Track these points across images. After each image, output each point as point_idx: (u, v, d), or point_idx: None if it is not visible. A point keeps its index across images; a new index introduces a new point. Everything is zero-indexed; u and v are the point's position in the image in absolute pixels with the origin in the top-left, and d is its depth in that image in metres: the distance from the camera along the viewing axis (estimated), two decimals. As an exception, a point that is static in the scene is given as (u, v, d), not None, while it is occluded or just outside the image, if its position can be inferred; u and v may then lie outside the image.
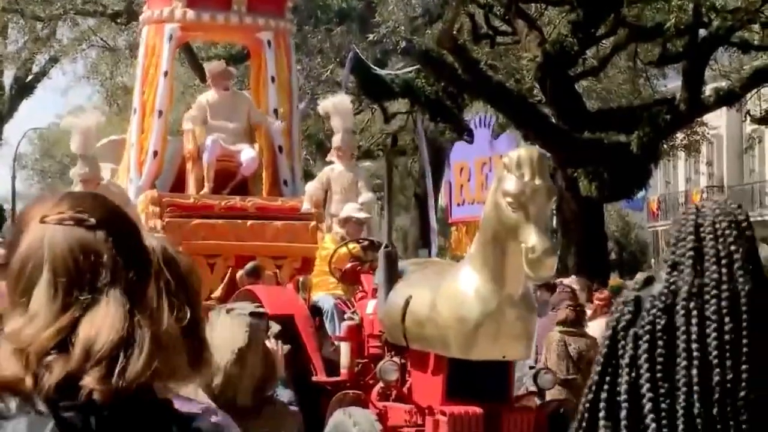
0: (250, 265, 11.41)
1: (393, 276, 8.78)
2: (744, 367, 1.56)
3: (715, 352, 1.55)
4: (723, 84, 24.31)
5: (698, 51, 22.15)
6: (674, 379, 1.56)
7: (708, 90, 23.99)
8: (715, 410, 1.54)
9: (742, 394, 1.55)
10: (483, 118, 9.24)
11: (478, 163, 9.41)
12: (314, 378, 9.68)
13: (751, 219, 1.66)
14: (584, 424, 1.63)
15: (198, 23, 13.34)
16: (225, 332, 4.66)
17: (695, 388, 1.55)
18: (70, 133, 12.54)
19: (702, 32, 22.17)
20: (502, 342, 7.81)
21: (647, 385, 1.56)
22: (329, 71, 23.38)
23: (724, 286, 1.59)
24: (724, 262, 1.61)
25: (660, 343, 1.58)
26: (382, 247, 8.99)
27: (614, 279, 21.42)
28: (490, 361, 7.98)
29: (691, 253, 1.63)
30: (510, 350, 7.96)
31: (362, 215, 10.92)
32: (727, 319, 1.57)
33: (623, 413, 1.58)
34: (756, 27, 22.27)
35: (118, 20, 25.64)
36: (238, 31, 13.79)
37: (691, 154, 32.73)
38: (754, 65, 23.79)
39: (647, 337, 1.59)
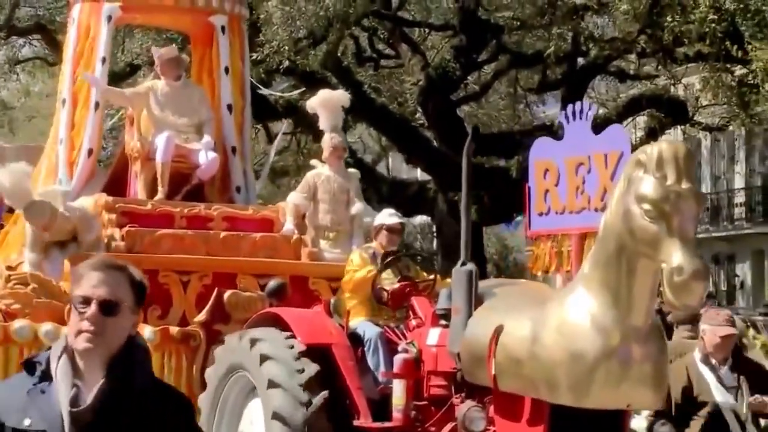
0: (273, 282, 9.76)
1: (473, 300, 7.21)
2: None
3: None
4: (600, 111, 24.84)
5: (576, 79, 22.64)
6: None
7: (586, 117, 24.46)
8: None
9: None
10: (580, 107, 7.72)
11: (572, 164, 7.59)
12: (357, 422, 7.95)
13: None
14: None
15: (142, 3, 11.84)
16: None
17: None
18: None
19: (580, 60, 22.67)
20: (627, 386, 6.31)
21: None
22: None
23: None
24: None
25: None
26: (458, 264, 7.35)
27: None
28: (604, 411, 6.49)
29: None
30: (638, 397, 6.43)
31: (395, 221, 9.02)
32: None
33: None
34: (632, 57, 22.83)
35: (-2, 34, 25.21)
36: (187, 14, 12.00)
37: (568, 179, 33.32)
38: (630, 94, 24.37)
39: None
